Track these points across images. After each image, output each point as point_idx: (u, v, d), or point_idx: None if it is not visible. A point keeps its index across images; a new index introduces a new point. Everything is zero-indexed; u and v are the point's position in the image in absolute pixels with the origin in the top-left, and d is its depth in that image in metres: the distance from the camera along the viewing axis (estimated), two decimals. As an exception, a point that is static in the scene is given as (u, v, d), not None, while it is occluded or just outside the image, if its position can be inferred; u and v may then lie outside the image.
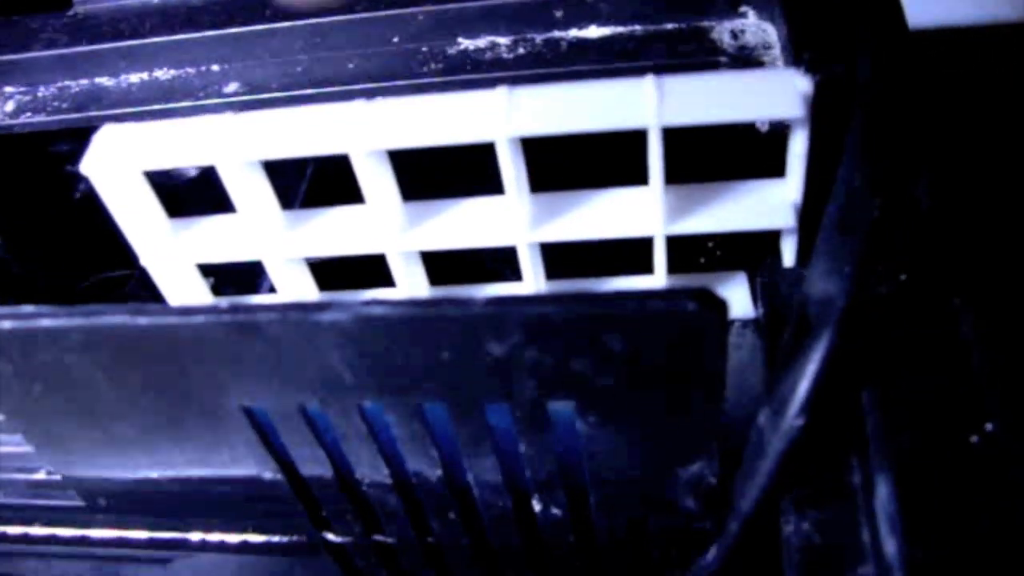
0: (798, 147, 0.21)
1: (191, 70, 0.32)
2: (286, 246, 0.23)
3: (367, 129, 0.21)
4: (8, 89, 0.33)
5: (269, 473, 0.23)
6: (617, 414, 0.20)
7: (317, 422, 0.21)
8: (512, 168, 0.21)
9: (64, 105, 0.32)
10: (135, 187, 0.23)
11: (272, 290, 0.31)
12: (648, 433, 0.20)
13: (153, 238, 0.23)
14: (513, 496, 0.22)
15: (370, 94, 0.29)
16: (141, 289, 0.36)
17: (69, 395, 0.22)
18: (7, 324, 0.20)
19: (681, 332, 0.18)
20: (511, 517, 0.23)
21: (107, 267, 0.36)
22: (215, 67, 0.31)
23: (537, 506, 0.22)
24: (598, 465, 0.21)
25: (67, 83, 0.33)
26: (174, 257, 0.24)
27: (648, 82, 0.20)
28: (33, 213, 0.35)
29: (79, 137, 0.37)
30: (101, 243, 0.36)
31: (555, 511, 0.22)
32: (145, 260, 0.24)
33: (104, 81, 0.32)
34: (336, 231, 0.23)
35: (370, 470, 0.22)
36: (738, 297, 0.23)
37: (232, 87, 0.31)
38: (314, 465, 0.22)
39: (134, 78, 0.32)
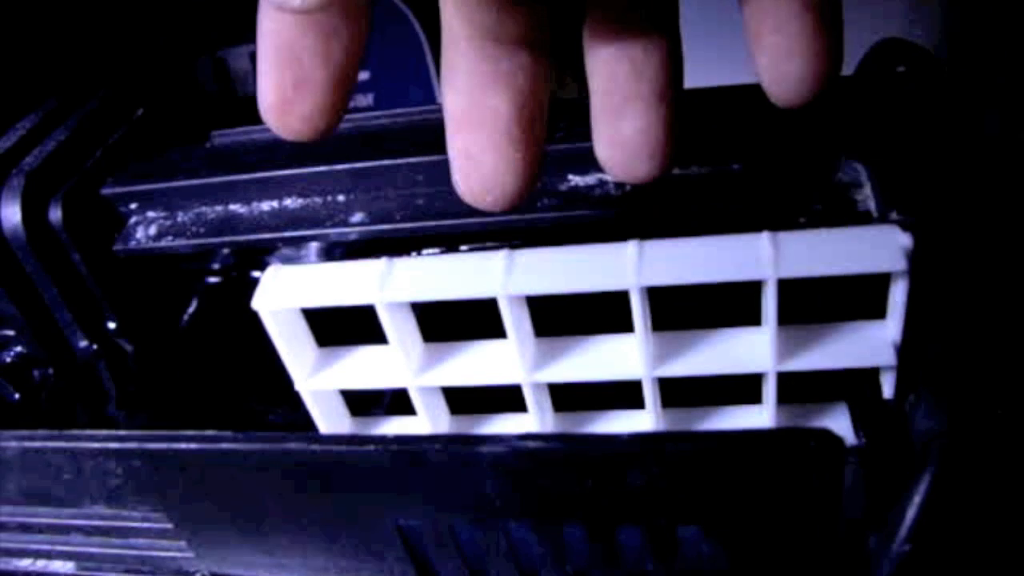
0: (898, 295, 0.23)
1: (318, 200, 0.35)
2: (429, 376, 0.25)
3: (512, 278, 0.23)
4: (151, 214, 0.36)
5: (413, 583, 0.25)
6: (740, 537, 0.22)
7: (463, 539, 0.24)
8: (640, 312, 0.23)
9: (201, 230, 0.35)
10: (294, 322, 0.26)
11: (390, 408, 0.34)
12: (766, 554, 0.22)
13: (306, 367, 0.26)
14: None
15: (487, 227, 0.32)
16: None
17: (237, 508, 0.24)
18: (192, 445, 0.23)
19: (802, 467, 0.20)
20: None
21: (225, 379, 0.39)
22: (340, 197, 0.34)
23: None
24: (720, 584, 0.23)
25: (203, 209, 0.36)
26: (324, 384, 0.26)
27: (764, 239, 0.23)
28: (163, 327, 0.38)
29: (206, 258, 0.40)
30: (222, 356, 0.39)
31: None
32: (298, 386, 0.26)
33: (237, 208, 0.35)
34: (475, 363, 0.25)
35: (508, 583, 0.24)
36: (840, 426, 0.25)
37: (358, 216, 0.33)
38: (456, 578, 0.24)
39: (265, 206, 0.35)
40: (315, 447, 0.22)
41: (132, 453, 0.24)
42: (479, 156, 0.23)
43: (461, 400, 0.28)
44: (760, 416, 0.25)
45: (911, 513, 0.21)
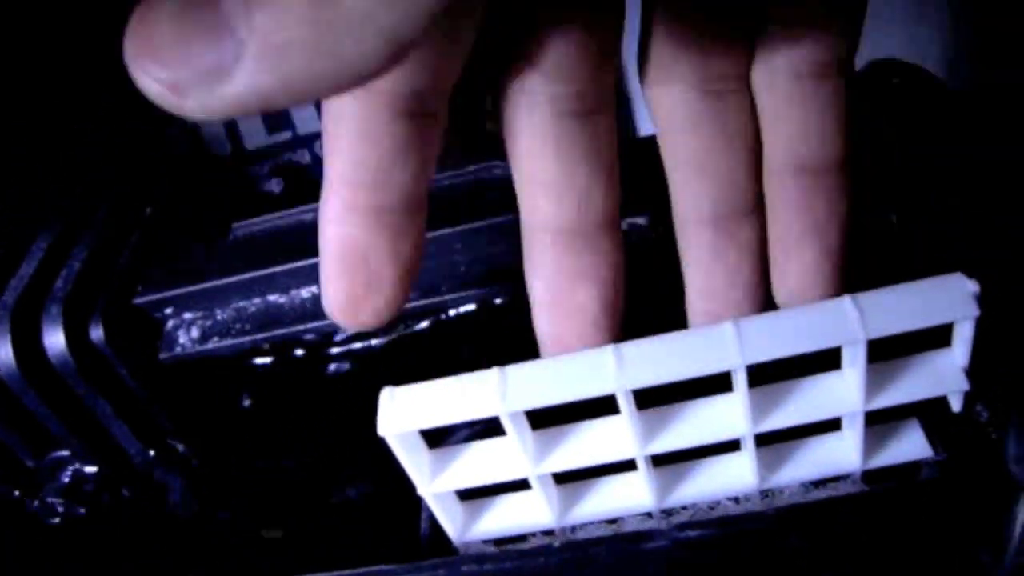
0: (966, 331, 0.26)
1: (358, 279, 0.35)
2: (548, 464, 0.27)
3: (625, 373, 0.25)
4: (188, 316, 0.37)
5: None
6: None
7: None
8: (743, 383, 0.26)
9: (246, 326, 0.36)
10: (413, 437, 0.27)
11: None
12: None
13: (426, 473, 0.28)
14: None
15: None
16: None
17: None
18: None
19: (923, 513, 0.23)
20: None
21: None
22: (380, 274, 0.35)
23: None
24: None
25: (242, 304, 0.36)
26: (446, 486, 0.28)
27: (847, 304, 0.25)
28: (216, 420, 0.39)
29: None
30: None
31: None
32: (421, 491, 0.28)
33: (277, 298, 0.36)
34: (589, 445, 0.27)
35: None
36: (917, 441, 0.28)
37: (404, 293, 0.35)
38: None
39: (305, 292, 0.36)
40: (488, 567, 0.24)
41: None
42: (568, 341, 0.26)
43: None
44: (846, 444, 0.28)
45: (1018, 530, 0.24)
